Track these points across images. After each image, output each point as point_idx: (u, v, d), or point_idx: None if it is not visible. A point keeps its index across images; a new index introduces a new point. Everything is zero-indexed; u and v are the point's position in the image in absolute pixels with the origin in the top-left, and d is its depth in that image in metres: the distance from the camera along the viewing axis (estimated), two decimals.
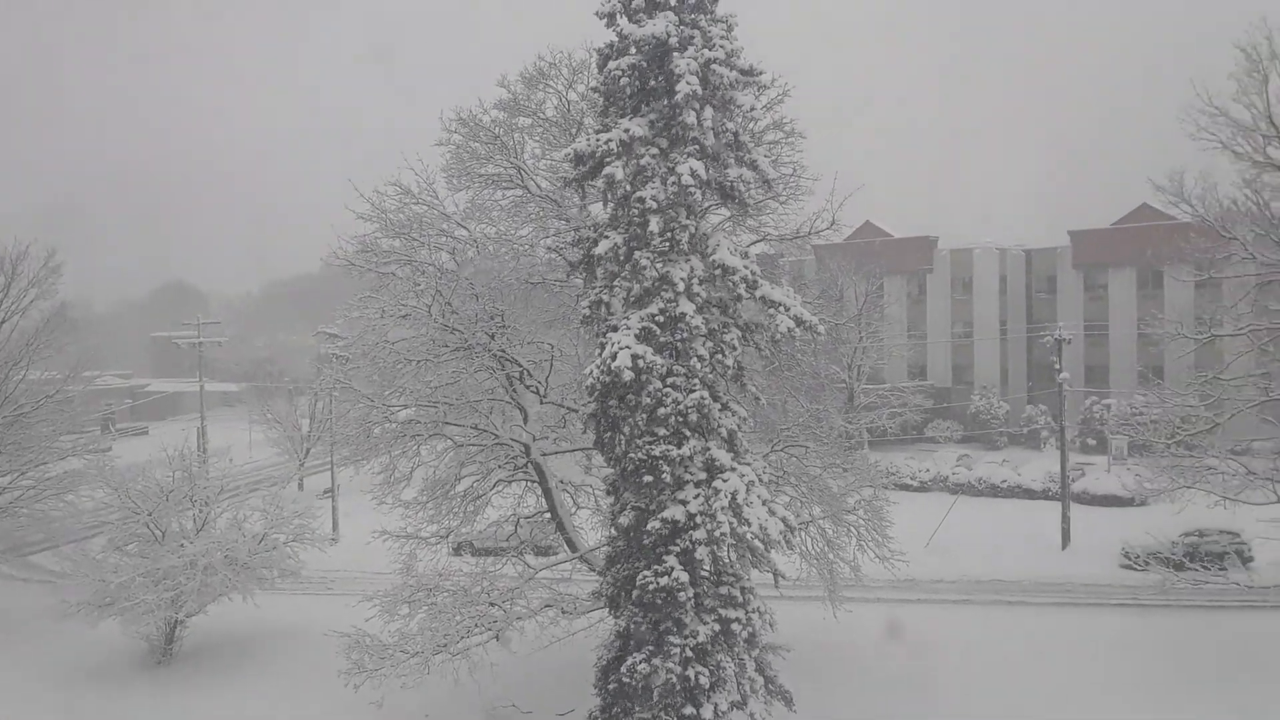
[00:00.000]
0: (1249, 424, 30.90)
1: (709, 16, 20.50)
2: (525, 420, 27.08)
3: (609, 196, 20.32)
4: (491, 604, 24.47)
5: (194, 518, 32.64)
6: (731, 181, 20.54)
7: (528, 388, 26.79)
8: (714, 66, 19.93)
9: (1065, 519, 41.63)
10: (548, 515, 28.16)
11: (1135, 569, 33.60)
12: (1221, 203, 28.52)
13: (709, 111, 19.98)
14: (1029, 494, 51.15)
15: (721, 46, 20.17)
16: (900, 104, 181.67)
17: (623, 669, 20.15)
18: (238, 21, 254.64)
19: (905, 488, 52.15)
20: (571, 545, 27.61)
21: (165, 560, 30.27)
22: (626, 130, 20.00)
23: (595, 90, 21.67)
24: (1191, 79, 27.51)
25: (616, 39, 20.26)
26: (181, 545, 30.93)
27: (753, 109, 21.51)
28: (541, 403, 27.06)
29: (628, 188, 20.06)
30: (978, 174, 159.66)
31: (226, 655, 31.99)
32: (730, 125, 20.56)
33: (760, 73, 21.05)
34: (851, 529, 28.50)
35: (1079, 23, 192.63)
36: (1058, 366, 44.27)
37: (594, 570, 25.59)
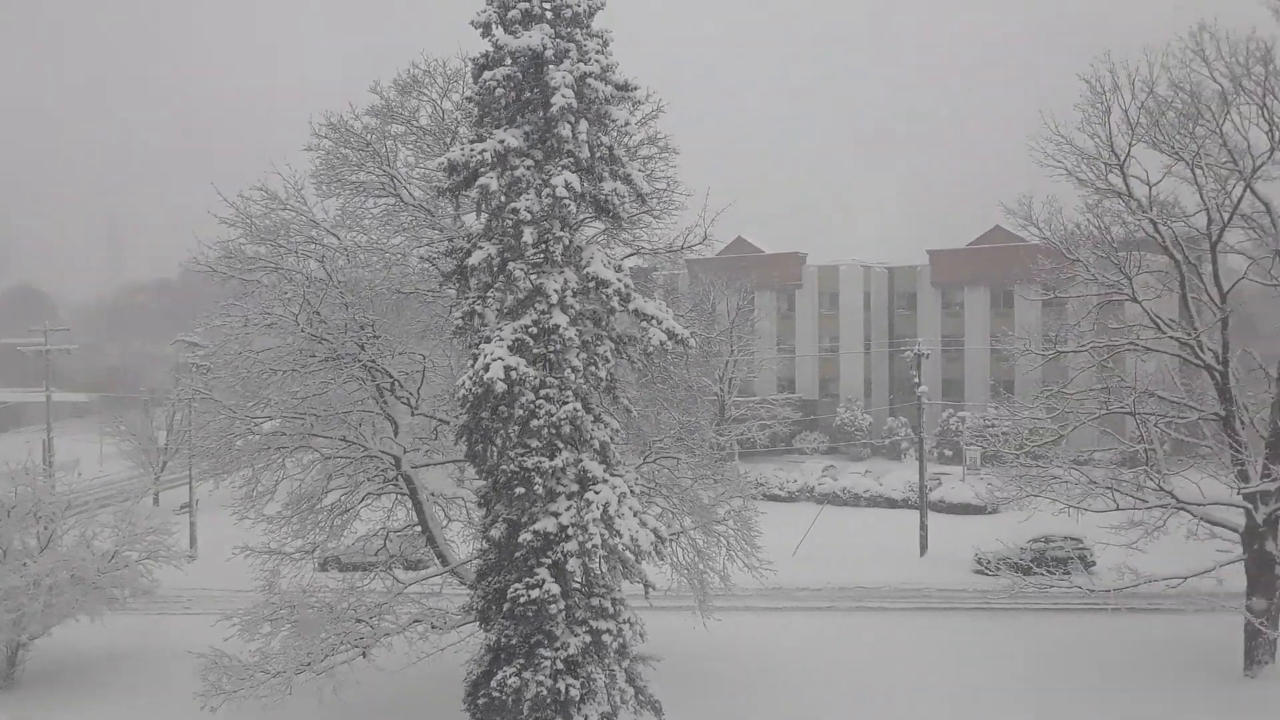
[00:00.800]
0: (1090, 436, 32.74)
1: (585, 31, 20.67)
2: (396, 432, 26.64)
3: (483, 207, 20.22)
4: (358, 620, 23.94)
5: (38, 535, 30.84)
6: (606, 195, 20.75)
7: (399, 399, 26.37)
8: (589, 80, 20.10)
9: (923, 527, 43.30)
10: (418, 529, 27.74)
11: (987, 574, 35.22)
12: (1066, 226, 30.17)
13: (584, 125, 20.12)
14: (890, 503, 53.02)
15: (597, 61, 20.37)
16: (772, 125, 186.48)
17: (493, 683, 20.02)
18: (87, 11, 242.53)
19: (774, 498, 53.49)
20: (442, 559, 27.26)
21: (6, 580, 28.53)
22: (502, 141, 19.98)
23: (470, 100, 21.58)
24: (1040, 109, 29.15)
25: (492, 49, 20.21)
26: (24, 564, 29.20)
27: (627, 124, 21.75)
28: (413, 414, 26.67)
29: (502, 199, 20.02)
30: (844, 193, 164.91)
31: (73, 679, 30.31)
32: (605, 139, 20.76)
33: (635, 88, 21.32)
34: (721, 539, 29.00)
35: (940, 53, 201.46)
36: (917, 380, 46.10)
37: (465, 584, 25.32)
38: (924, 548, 43.07)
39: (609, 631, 20.58)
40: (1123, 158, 27.90)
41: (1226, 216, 27.48)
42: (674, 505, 28.22)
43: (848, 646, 31.11)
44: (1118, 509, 28.07)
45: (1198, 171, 27.31)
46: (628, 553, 19.81)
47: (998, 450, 33.35)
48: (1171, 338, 28.58)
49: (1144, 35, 28.68)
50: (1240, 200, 27.25)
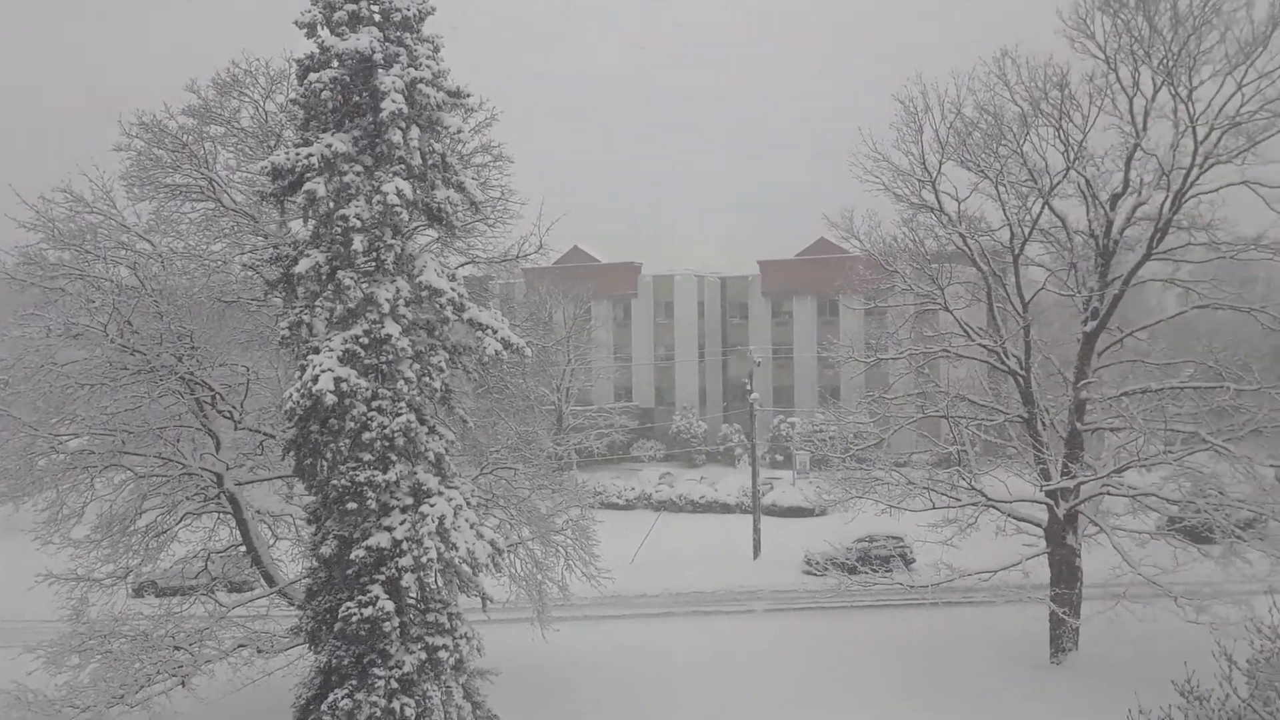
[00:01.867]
0: (909, 439, 34.48)
1: (415, 35, 20.32)
2: (218, 448, 25.45)
3: (310, 213, 19.58)
4: (177, 648, 22.75)
5: None
6: (439, 203, 20.44)
7: (220, 413, 25.20)
8: (420, 86, 19.77)
9: (756, 531, 44.49)
10: (242, 549, 26.58)
11: (816, 575, 36.51)
12: (885, 239, 31.76)
13: (415, 131, 19.79)
14: (725, 508, 54.21)
15: (428, 66, 20.06)
16: (604, 135, 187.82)
17: (324, 706, 19.34)
18: None
19: (612, 506, 53.80)
20: (269, 579, 26.19)
21: None
22: (329, 145, 19.40)
23: (295, 102, 20.86)
24: (859, 126, 30.56)
25: (318, 50, 19.59)
26: None
27: (460, 131, 21.52)
28: (236, 429, 25.55)
29: (330, 205, 19.44)
30: (678, 203, 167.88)
31: None
32: (438, 146, 20.45)
33: (468, 95, 21.09)
34: (560, 549, 29.01)
35: (777, 69, 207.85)
36: (749, 388, 47.39)
37: (293, 604, 24.39)
38: (757, 551, 44.24)
39: (445, 647, 20.21)
40: (934, 175, 29.59)
41: (1027, 231, 29.50)
42: (512, 516, 28.07)
43: (685, 651, 31.61)
44: (934, 508, 29.60)
45: (1001, 189, 29.23)
46: (464, 566, 19.50)
47: (825, 454, 34.62)
48: (980, 345, 30.44)
49: (953, 59, 30.47)
50: (1039, 216, 29.30)
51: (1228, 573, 26.78)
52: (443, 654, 20.13)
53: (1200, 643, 13.59)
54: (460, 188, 20.75)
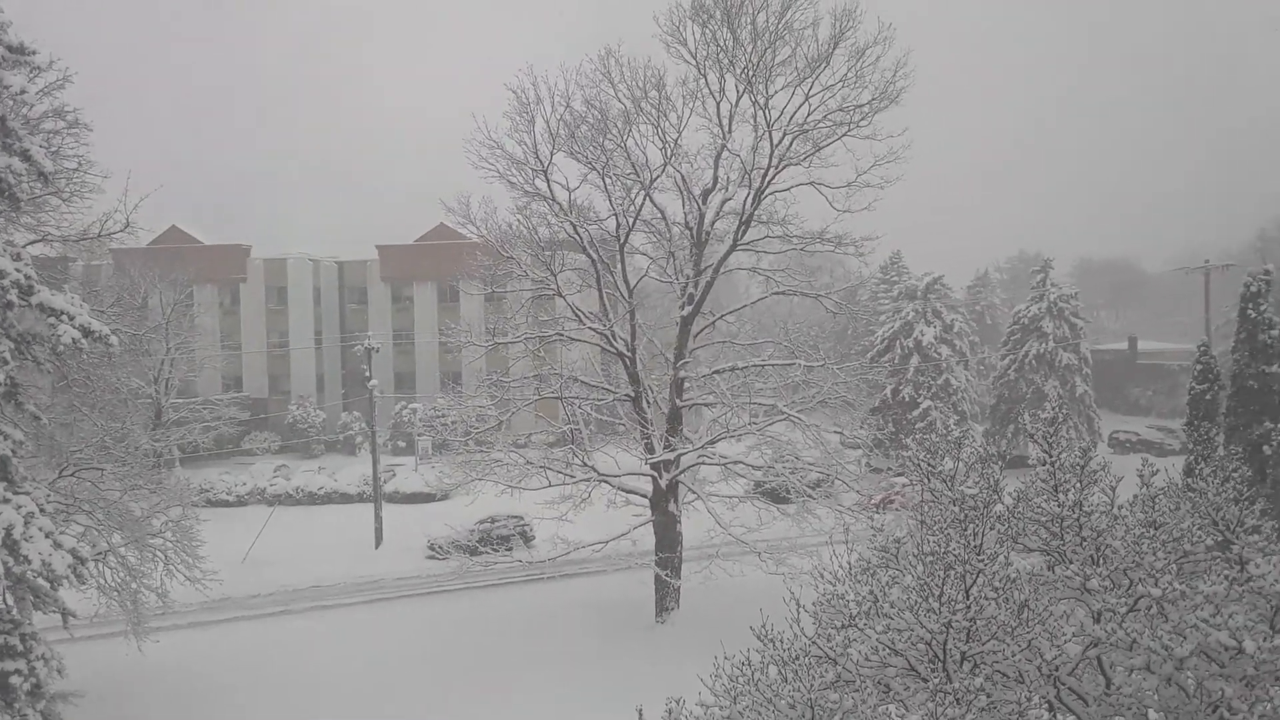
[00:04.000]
0: (528, 420, 35.54)
1: None
2: None
3: None
4: None
5: None
6: None
7: None
8: None
9: (378, 519, 43.70)
10: None
11: (439, 558, 36.60)
12: (501, 226, 32.35)
13: None
14: (346, 498, 52.63)
15: None
16: (218, 113, 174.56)
17: None
18: None
19: (221, 504, 50.46)
20: None
21: None
22: None
23: None
24: (474, 112, 30.82)
25: None
26: None
27: (24, 92, 19.11)
28: None
29: None
30: (293, 184, 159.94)
31: None
32: None
33: (34, 52, 18.82)
34: (159, 553, 26.87)
35: (393, 59, 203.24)
36: (368, 374, 46.33)
37: None
38: (380, 540, 43.48)
39: (19, 672, 18.04)
40: (546, 165, 30.57)
41: (631, 221, 31.41)
42: (99, 521, 25.59)
43: (302, 649, 30.41)
44: (550, 485, 30.79)
45: (608, 180, 30.88)
46: (40, 580, 17.50)
47: (447, 438, 34.76)
48: (591, 329, 32.02)
49: (565, 55, 31.56)
50: (642, 207, 31.32)
51: (801, 528, 30.31)
52: (16, 679, 17.95)
53: (778, 591, 15.32)
54: (25, 155, 18.47)
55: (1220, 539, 11.73)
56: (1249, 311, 29.83)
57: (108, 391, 28.56)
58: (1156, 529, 11.28)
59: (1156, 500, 11.82)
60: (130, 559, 26.41)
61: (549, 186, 30.92)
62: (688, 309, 31.43)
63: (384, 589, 37.50)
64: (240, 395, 66.88)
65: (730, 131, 30.38)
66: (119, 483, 26.37)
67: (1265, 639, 9.77)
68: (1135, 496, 11.98)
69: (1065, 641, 10.50)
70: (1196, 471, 12.93)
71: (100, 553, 25.29)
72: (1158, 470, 12.17)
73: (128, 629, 26.21)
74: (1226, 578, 10.73)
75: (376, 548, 43.13)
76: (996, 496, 12.27)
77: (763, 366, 31.94)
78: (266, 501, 51.84)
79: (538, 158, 30.57)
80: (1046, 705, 10.80)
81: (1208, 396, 30.58)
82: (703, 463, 31.99)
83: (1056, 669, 10.48)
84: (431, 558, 39.31)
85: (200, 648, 30.39)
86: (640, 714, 10.67)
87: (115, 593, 25.99)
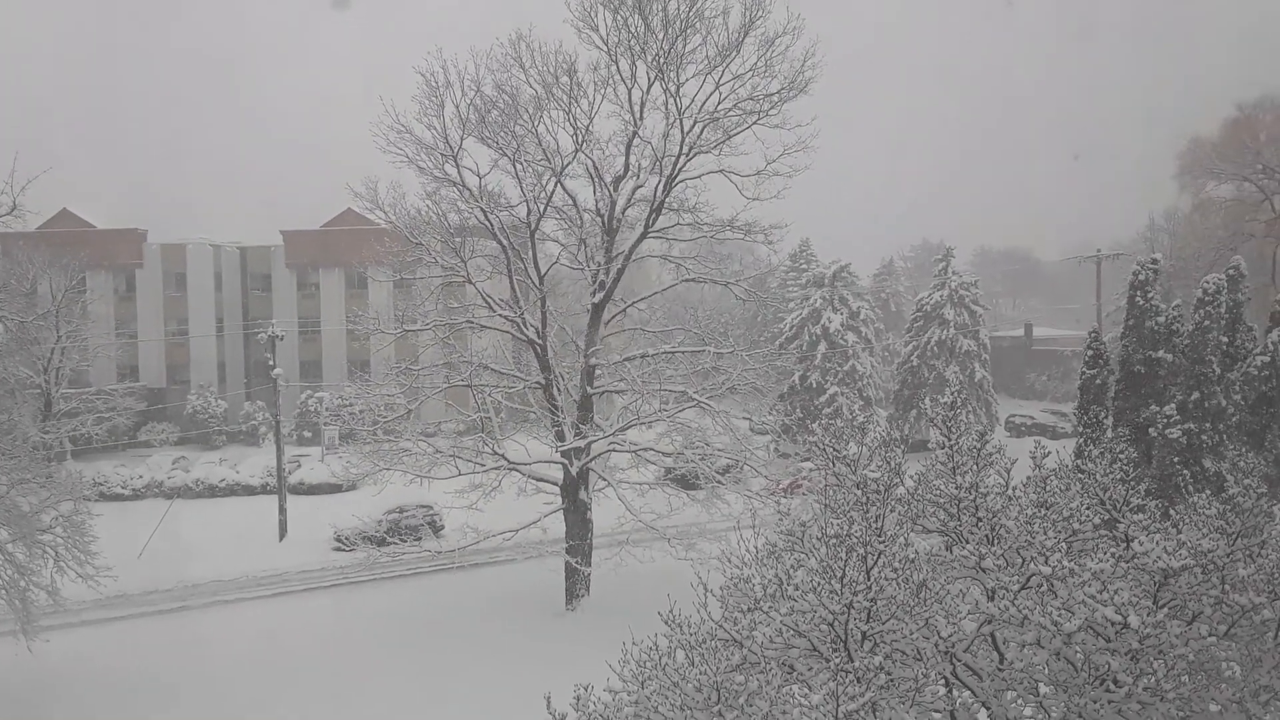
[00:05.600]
0: (438, 408, 35.11)
1: None
2: None
3: None
4: None
5: None
6: None
7: None
8: None
9: (282, 511, 42.71)
10: None
11: (346, 550, 35.91)
12: (410, 212, 31.80)
13: None
14: (249, 490, 51.34)
15: None
16: (104, 92, 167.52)
17: None
18: None
19: (116, 497, 48.83)
20: None
21: None
22: None
23: None
24: (382, 96, 30.19)
25: None
26: None
27: None
28: None
29: None
30: (194, 168, 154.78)
31: None
32: None
33: None
34: (49, 549, 25.90)
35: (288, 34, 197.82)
36: (272, 363, 45.22)
37: None
38: (283, 532, 42.52)
39: None
40: (456, 150, 30.17)
41: (543, 208, 31.23)
42: None
43: (201, 646, 29.60)
44: (460, 474, 30.50)
45: (519, 166, 30.63)
46: None
47: (354, 428, 34.15)
48: (502, 316, 31.77)
49: (476, 37, 31.06)
50: (553, 194, 31.16)
51: (710, 513, 30.61)
52: None
53: (687, 576, 15.48)
54: None
55: (1107, 518, 12.19)
56: (1137, 299, 31.12)
57: None
58: (1048, 509, 11.66)
59: (1048, 481, 12.21)
60: (18, 555, 25.38)
61: (459, 172, 30.58)
62: (599, 296, 31.40)
63: (288, 582, 36.69)
64: (136, 385, 64.61)
65: (642, 119, 30.40)
66: (5, 476, 25.34)
67: (1149, 614, 10.20)
68: (1028, 478, 12.37)
69: (961, 619, 10.82)
70: (1086, 453, 13.39)
71: None
72: (1050, 452, 12.57)
73: (16, 628, 25.16)
74: (1113, 555, 11.19)
75: (280, 540, 42.17)
76: (898, 480, 12.54)
77: (673, 353, 32.13)
78: (164, 495, 50.26)
79: (447, 143, 30.17)
80: (943, 681, 11.12)
81: (1097, 381, 31.80)
82: (613, 450, 32.06)
83: (953, 646, 10.78)
84: (338, 549, 38.56)
85: (94, 647, 29.36)
86: (549, 701, 10.66)
87: (3, 590, 24.95)
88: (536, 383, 31.97)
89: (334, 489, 49.60)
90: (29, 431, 29.46)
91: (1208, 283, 29.99)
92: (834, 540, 11.31)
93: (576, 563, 30.91)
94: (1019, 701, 11.18)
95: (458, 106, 29.85)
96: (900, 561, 11.11)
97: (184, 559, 38.31)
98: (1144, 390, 30.39)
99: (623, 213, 31.58)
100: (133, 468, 53.08)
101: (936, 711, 10.94)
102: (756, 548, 12.84)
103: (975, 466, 12.02)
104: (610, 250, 31.46)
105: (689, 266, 32.87)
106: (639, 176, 31.20)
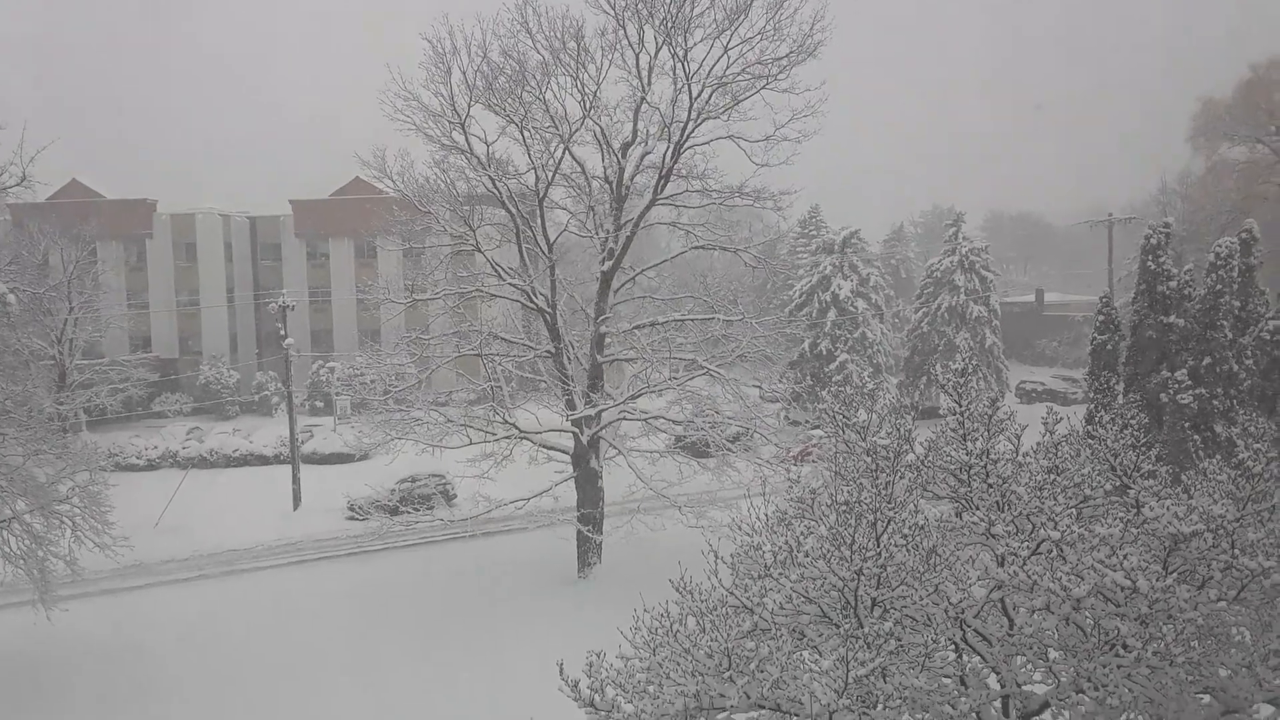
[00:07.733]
0: (448, 378, 35.19)
1: None
2: None
3: None
4: None
5: None
6: None
7: None
8: None
9: (296, 480, 43.00)
10: None
11: (359, 519, 36.21)
12: (418, 180, 31.70)
13: None
14: (263, 460, 51.67)
15: None
16: (114, 64, 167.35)
17: None
18: None
19: (131, 468, 49.23)
20: None
21: None
22: None
23: None
24: (388, 63, 30.01)
25: None
26: None
27: None
28: None
29: None
30: (209, 138, 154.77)
31: None
32: None
33: None
34: (66, 520, 26.11)
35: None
36: (283, 333, 45.33)
37: None
38: (297, 502, 42.84)
39: None
40: (463, 117, 30.01)
41: (551, 175, 31.08)
42: (1, 488, 24.63)
43: (218, 615, 29.91)
44: (471, 443, 30.61)
45: (526, 134, 30.46)
46: None
47: (366, 397, 34.27)
48: (511, 284, 31.75)
49: (481, 4, 30.77)
50: (561, 161, 30.97)
51: (721, 481, 30.68)
52: None
53: (698, 544, 15.56)
54: None
55: (1118, 484, 12.20)
56: (1149, 264, 30.88)
57: (8, 353, 27.59)
58: (1058, 475, 11.68)
59: (1059, 448, 12.22)
60: (36, 526, 25.62)
61: (467, 140, 30.44)
62: (608, 264, 31.33)
63: (303, 551, 37.03)
64: (149, 356, 64.89)
65: (649, 84, 30.17)
66: (21, 448, 25.52)
67: (1158, 579, 10.23)
68: (1039, 444, 12.37)
69: (971, 585, 10.87)
70: (1097, 419, 13.38)
71: (3, 520, 24.51)
72: (1061, 418, 12.57)
73: (35, 598, 25.48)
74: (1123, 521, 11.21)
75: (295, 509, 42.50)
76: (908, 446, 12.56)
77: (683, 321, 32.09)
78: (179, 465, 50.64)
79: (455, 110, 30.01)
80: (953, 647, 11.19)
81: (1109, 347, 31.66)
82: (624, 418, 32.11)
83: (963, 612, 10.84)
84: (351, 518, 38.88)
85: (113, 615, 29.72)
86: (561, 668, 10.77)
87: (21, 560, 25.23)
88: (546, 351, 32.00)
89: (347, 458, 49.88)
90: (44, 403, 29.59)
91: (1220, 247, 29.76)
92: (844, 507, 11.36)
93: (588, 531, 31.08)
94: (1028, 666, 11.25)
95: (465, 73, 29.70)
96: (910, 528, 11.15)
97: (200, 529, 38.72)
98: (1155, 355, 30.24)
99: (631, 180, 31.43)
100: (147, 438, 53.49)
101: (946, 677, 11.03)
102: (767, 515, 12.89)
103: (986, 433, 12.02)
104: (619, 218, 31.35)
105: (698, 233, 32.74)
106: (647, 143, 31.02)
